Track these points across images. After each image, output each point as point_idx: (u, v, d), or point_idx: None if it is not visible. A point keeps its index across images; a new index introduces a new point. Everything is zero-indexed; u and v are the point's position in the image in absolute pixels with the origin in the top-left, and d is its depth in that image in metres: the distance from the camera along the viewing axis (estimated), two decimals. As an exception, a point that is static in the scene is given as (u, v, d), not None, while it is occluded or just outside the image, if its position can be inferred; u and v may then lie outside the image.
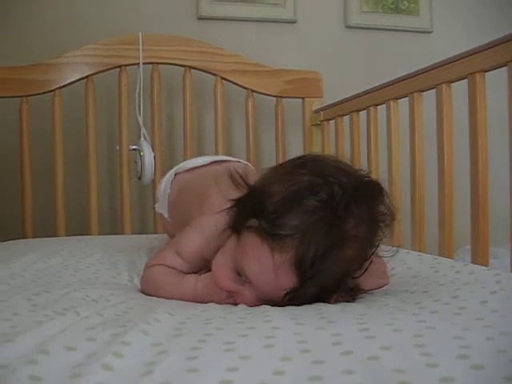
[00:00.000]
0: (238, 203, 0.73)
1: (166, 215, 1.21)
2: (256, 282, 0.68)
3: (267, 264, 0.65)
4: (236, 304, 0.72)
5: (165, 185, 1.23)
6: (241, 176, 0.75)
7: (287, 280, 0.65)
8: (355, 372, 0.40)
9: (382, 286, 0.81)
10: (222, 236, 0.76)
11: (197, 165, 1.22)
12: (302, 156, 0.76)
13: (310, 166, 0.70)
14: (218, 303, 0.72)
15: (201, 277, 0.79)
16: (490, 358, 0.42)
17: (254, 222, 0.68)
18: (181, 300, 0.76)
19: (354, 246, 0.67)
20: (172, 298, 0.77)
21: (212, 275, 0.76)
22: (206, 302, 0.73)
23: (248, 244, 0.69)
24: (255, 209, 0.68)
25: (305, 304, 0.68)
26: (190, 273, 0.83)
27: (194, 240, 0.84)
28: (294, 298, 0.66)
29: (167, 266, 0.83)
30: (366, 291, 0.74)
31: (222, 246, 0.76)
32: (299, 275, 0.64)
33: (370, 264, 0.70)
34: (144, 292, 0.83)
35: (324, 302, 0.69)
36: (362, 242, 0.68)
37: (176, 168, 1.25)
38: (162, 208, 1.22)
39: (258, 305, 0.69)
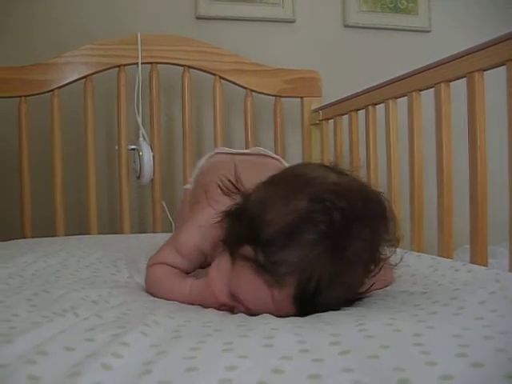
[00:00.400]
0: (231, 217, 0.70)
1: (193, 177, 1.21)
2: (253, 309, 0.66)
3: (266, 299, 0.63)
4: (232, 311, 0.71)
5: (203, 161, 1.23)
6: (232, 183, 0.72)
7: (288, 311, 0.63)
8: (354, 370, 0.40)
9: (387, 286, 0.81)
10: (217, 230, 0.74)
11: (238, 152, 1.24)
12: (297, 175, 0.71)
13: (304, 188, 0.65)
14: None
15: (196, 282, 0.79)
16: (489, 356, 0.42)
17: (248, 250, 0.64)
18: (180, 301, 0.77)
19: (357, 270, 0.65)
20: (172, 299, 0.78)
21: (207, 283, 0.74)
22: (203, 305, 0.73)
23: (243, 277, 0.65)
24: (249, 234, 0.65)
25: None
26: (192, 269, 0.84)
27: (191, 235, 0.83)
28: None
29: (168, 265, 0.84)
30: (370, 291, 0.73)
31: (217, 241, 0.75)
32: (300, 306, 0.63)
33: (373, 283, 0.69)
34: (148, 292, 0.84)
35: None
36: (365, 264, 0.66)
37: (219, 148, 1.27)
38: (191, 183, 1.21)
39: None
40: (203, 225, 0.80)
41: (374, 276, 0.68)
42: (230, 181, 0.73)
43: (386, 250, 0.68)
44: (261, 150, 1.33)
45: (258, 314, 0.66)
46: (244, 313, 0.68)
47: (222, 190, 0.73)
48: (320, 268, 0.60)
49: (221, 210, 0.72)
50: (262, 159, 1.24)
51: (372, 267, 0.66)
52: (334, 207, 0.61)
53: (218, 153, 1.25)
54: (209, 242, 0.80)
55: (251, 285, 0.64)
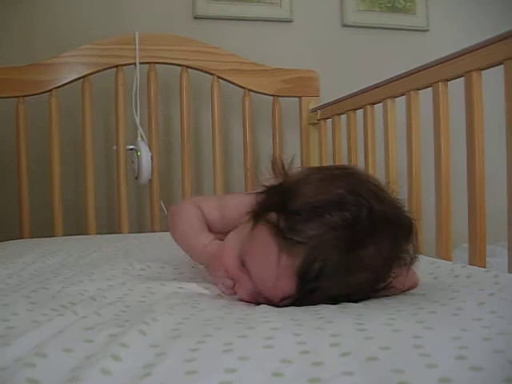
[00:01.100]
0: (267, 191, 0.71)
1: None
2: (254, 275, 0.68)
3: (271, 264, 0.64)
4: (230, 292, 0.73)
5: None
6: (283, 164, 0.72)
7: (286, 285, 0.64)
8: (354, 373, 0.40)
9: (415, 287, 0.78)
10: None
11: None
12: (344, 167, 0.73)
13: (347, 181, 0.66)
14: (213, 275, 0.77)
15: (215, 241, 0.82)
16: (488, 358, 0.42)
17: (273, 216, 0.65)
18: (188, 252, 0.84)
19: (363, 276, 0.64)
20: (187, 244, 0.83)
21: (222, 244, 0.77)
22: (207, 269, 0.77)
23: (259, 238, 0.67)
24: (279, 203, 0.66)
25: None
26: (217, 233, 0.86)
27: (242, 201, 0.81)
28: (288, 304, 0.65)
29: (202, 212, 0.87)
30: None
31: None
32: (299, 285, 0.63)
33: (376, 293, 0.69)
34: (169, 220, 0.89)
35: None
36: (374, 274, 0.65)
37: None
38: None
39: (254, 303, 0.69)
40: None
41: (376, 292, 0.68)
42: (283, 164, 0.73)
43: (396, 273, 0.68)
44: None
45: (257, 303, 0.68)
46: (241, 296, 0.71)
47: (272, 168, 0.73)
48: (331, 251, 0.61)
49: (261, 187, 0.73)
50: None
51: (378, 281, 0.67)
52: (367, 205, 0.62)
53: None
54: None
55: (263, 244, 0.65)
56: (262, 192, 0.72)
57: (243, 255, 0.70)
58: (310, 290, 0.63)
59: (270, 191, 0.71)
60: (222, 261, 0.73)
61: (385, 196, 0.67)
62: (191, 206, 0.88)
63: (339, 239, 0.61)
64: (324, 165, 0.78)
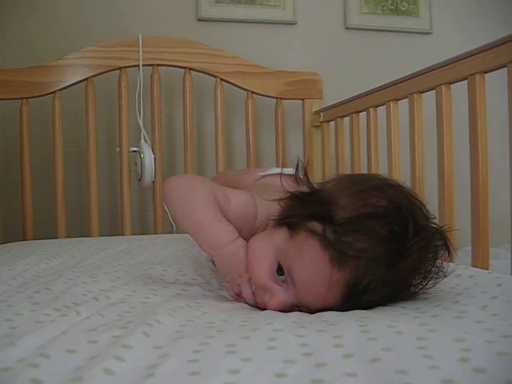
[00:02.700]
0: (298, 198, 0.70)
1: None
2: (302, 287, 0.65)
3: (322, 274, 0.63)
4: (238, 300, 0.72)
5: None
6: (306, 173, 0.72)
7: (333, 297, 0.64)
8: (358, 374, 0.40)
9: None
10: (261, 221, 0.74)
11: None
12: (381, 178, 0.72)
13: (387, 193, 0.66)
14: (227, 281, 0.72)
15: (238, 242, 0.73)
16: (491, 360, 0.42)
17: (317, 226, 0.64)
18: (199, 241, 0.73)
19: (397, 287, 0.66)
20: (191, 228, 0.73)
21: (247, 250, 0.72)
22: (216, 266, 0.72)
23: (306, 246, 0.65)
24: (321, 213, 0.65)
25: None
26: None
27: (248, 203, 0.80)
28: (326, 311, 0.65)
29: (216, 197, 0.76)
30: None
31: (261, 231, 0.74)
32: (346, 298, 0.63)
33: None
34: (169, 196, 0.76)
35: None
36: (409, 287, 0.67)
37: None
38: None
39: (283, 311, 0.67)
40: (256, 200, 0.79)
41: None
42: (305, 170, 0.73)
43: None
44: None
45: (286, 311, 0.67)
46: (270, 307, 0.68)
47: (296, 171, 0.74)
48: (381, 266, 0.61)
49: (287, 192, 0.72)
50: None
51: (408, 294, 0.68)
52: (411, 218, 0.63)
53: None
54: (249, 226, 0.78)
55: (312, 256, 0.64)
56: (288, 198, 0.71)
57: (286, 263, 0.67)
58: (355, 302, 0.63)
59: (305, 199, 0.70)
60: (252, 269, 0.70)
61: (422, 208, 0.68)
62: (205, 184, 0.78)
63: (388, 253, 0.61)
64: (354, 173, 0.75)
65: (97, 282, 0.80)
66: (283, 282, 0.68)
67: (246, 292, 0.72)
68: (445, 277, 0.69)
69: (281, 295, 0.68)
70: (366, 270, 0.61)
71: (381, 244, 0.61)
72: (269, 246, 0.70)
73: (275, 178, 0.86)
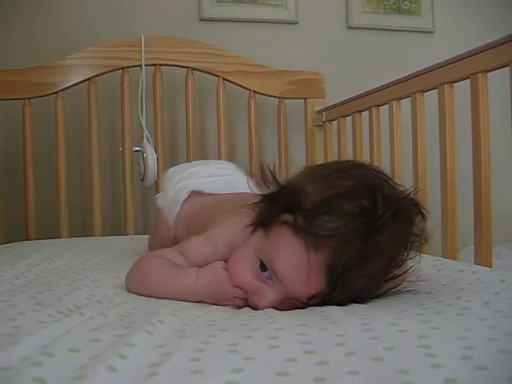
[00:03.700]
0: (269, 198, 0.71)
1: (167, 216, 1.15)
2: (284, 277, 0.66)
3: (300, 261, 0.63)
4: (241, 306, 0.70)
5: (175, 195, 1.15)
6: (272, 174, 0.73)
7: (317, 282, 0.63)
8: (359, 373, 0.40)
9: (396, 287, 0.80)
10: (236, 241, 0.75)
11: (213, 191, 1.14)
12: (344, 161, 0.74)
13: (352, 173, 0.68)
14: (219, 303, 0.70)
15: (203, 269, 0.74)
16: (494, 358, 0.42)
17: (288, 217, 0.66)
18: (174, 297, 0.71)
19: (383, 262, 0.65)
20: (163, 295, 0.72)
21: (218, 270, 0.72)
22: (205, 300, 0.71)
23: (280, 238, 0.66)
24: (290, 205, 0.66)
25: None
26: None
27: (202, 245, 0.80)
28: (317, 304, 0.64)
29: (166, 259, 0.78)
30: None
31: (237, 249, 0.74)
32: (330, 280, 0.63)
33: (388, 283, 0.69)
34: (131, 285, 0.77)
35: None
36: (391, 259, 0.67)
37: (192, 186, 1.16)
38: (168, 212, 1.16)
39: (275, 308, 0.67)
40: (217, 239, 0.80)
41: (390, 279, 0.69)
42: (271, 171, 0.73)
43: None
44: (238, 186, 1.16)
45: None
46: (252, 308, 0.68)
47: (262, 175, 0.73)
48: (356, 241, 0.62)
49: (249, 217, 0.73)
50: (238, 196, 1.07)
51: (395, 265, 0.68)
52: (379, 193, 0.63)
53: (193, 191, 1.15)
54: (219, 255, 0.78)
55: (288, 245, 0.65)
56: (259, 202, 0.72)
57: (266, 258, 0.68)
58: (341, 284, 0.63)
59: (274, 196, 0.71)
60: (236, 275, 0.70)
61: (389, 181, 0.68)
62: (146, 259, 0.81)
63: (360, 228, 0.62)
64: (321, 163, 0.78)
65: (100, 287, 0.80)
66: (268, 279, 0.68)
67: (240, 303, 0.71)
68: (426, 242, 0.70)
69: (268, 293, 0.68)
70: (342, 247, 0.61)
71: (352, 220, 0.62)
72: (248, 248, 0.71)
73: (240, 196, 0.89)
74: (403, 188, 0.69)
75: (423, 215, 0.68)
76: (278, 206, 0.69)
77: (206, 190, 1.13)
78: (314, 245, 0.62)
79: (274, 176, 0.73)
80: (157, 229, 1.24)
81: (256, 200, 0.73)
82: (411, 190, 0.68)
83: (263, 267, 0.69)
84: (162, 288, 0.74)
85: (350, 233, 0.62)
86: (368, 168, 0.70)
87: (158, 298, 0.72)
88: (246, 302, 0.71)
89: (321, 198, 0.64)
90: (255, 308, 0.69)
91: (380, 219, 0.62)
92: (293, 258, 0.64)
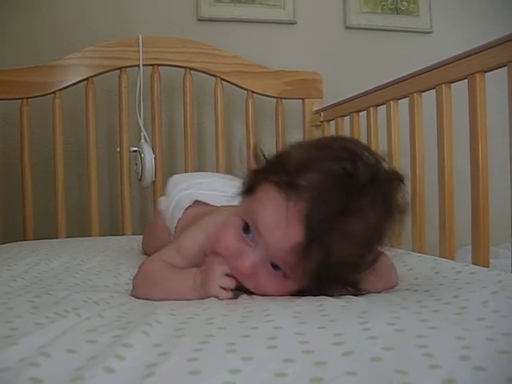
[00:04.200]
0: (253, 170, 0.75)
1: (167, 222, 1.17)
2: (264, 229, 0.68)
3: (280, 211, 0.65)
4: (232, 290, 0.71)
5: (178, 202, 1.17)
6: (262, 152, 0.76)
7: (295, 233, 0.64)
8: (357, 373, 0.40)
9: (391, 287, 0.80)
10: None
11: (216, 204, 1.14)
12: (331, 136, 0.78)
13: (335, 142, 0.72)
14: (211, 288, 0.71)
15: (201, 267, 0.77)
16: (492, 359, 0.42)
17: (272, 177, 0.69)
18: (178, 296, 0.73)
19: (365, 226, 0.66)
20: (168, 295, 0.73)
21: (208, 262, 0.75)
22: (202, 295, 0.72)
23: (264, 195, 0.69)
24: (274, 169, 0.70)
25: (310, 290, 0.69)
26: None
27: (195, 235, 0.84)
28: (301, 260, 0.65)
29: (165, 262, 0.81)
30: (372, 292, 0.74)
31: None
32: (308, 230, 0.64)
33: (376, 261, 0.70)
34: (137, 290, 0.79)
35: (328, 294, 0.69)
36: (373, 226, 0.68)
37: (197, 196, 1.16)
38: (169, 218, 1.18)
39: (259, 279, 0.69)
40: (209, 227, 0.81)
41: (376, 259, 0.70)
42: (261, 150, 0.77)
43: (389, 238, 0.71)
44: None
45: (261, 295, 0.70)
46: (246, 291, 0.70)
47: (254, 153, 0.77)
48: (335, 196, 0.63)
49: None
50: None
51: (376, 238, 0.69)
52: (362, 160, 0.66)
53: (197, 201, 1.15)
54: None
55: (270, 201, 0.68)
56: (248, 175, 0.76)
57: (250, 217, 0.70)
58: (319, 236, 0.64)
59: (260, 167, 0.74)
60: (218, 245, 0.73)
61: (368, 149, 0.71)
62: (147, 265, 0.83)
63: (341, 185, 0.64)
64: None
65: (97, 290, 0.80)
66: (251, 241, 0.70)
67: (229, 284, 0.72)
68: (408, 204, 0.72)
69: (251, 254, 0.70)
70: (321, 199, 0.63)
71: (334, 178, 0.64)
72: (233, 216, 0.74)
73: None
74: (382, 158, 0.72)
75: (401, 179, 0.71)
76: (265, 171, 0.72)
77: (212, 203, 1.13)
78: (293, 195, 0.65)
79: (263, 153, 0.76)
80: (155, 232, 1.25)
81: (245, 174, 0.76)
82: (387, 157, 0.72)
83: (247, 230, 0.71)
84: (167, 289, 0.75)
85: (331, 187, 0.64)
86: (349, 140, 0.76)
87: (163, 300, 0.72)
88: (237, 282, 0.72)
89: (304, 159, 0.68)
90: (237, 274, 0.71)
91: (361, 181, 0.64)
92: (273, 209, 0.67)
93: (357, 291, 0.71)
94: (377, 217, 0.67)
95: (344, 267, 0.68)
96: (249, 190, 0.74)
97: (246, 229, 0.71)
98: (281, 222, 0.66)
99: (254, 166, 0.76)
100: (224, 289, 0.72)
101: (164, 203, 1.24)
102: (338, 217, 0.63)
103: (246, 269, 0.70)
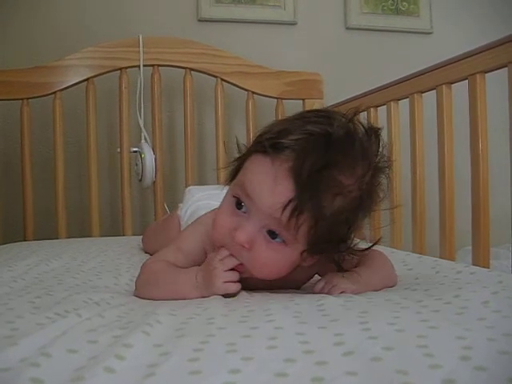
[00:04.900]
0: (239, 156, 0.77)
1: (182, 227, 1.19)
2: (255, 193, 0.69)
3: (268, 173, 0.68)
4: (237, 281, 0.72)
5: (194, 211, 1.20)
6: (243, 144, 0.78)
7: (285, 189, 0.66)
8: (358, 373, 0.40)
9: (390, 285, 0.81)
10: None
11: None
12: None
13: (312, 111, 0.75)
14: (216, 285, 0.71)
15: (201, 266, 0.77)
16: (493, 359, 0.42)
17: (256, 147, 0.71)
18: (181, 296, 0.73)
19: (352, 177, 0.68)
20: (170, 295, 0.74)
21: (210, 259, 0.75)
22: (206, 293, 0.72)
23: (250, 164, 0.72)
24: (258, 140, 0.72)
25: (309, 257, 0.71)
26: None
27: (194, 231, 0.85)
28: (295, 218, 0.66)
29: (167, 261, 0.81)
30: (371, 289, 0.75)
31: None
32: (297, 184, 0.65)
33: (365, 218, 0.73)
34: (140, 291, 0.79)
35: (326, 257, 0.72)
36: (360, 178, 0.69)
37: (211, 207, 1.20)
38: (184, 225, 1.20)
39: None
40: (207, 223, 0.82)
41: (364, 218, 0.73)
42: (238, 141, 0.79)
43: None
44: None
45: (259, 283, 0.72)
46: (242, 243, 0.69)
47: (237, 145, 0.78)
48: (317, 150, 0.66)
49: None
50: None
51: (365, 197, 0.71)
52: (340, 120, 0.69)
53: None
54: (211, 238, 0.80)
55: (257, 166, 0.70)
56: (234, 161, 0.77)
57: (240, 188, 0.71)
58: (308, 187, 0.65)
59: (244, 149, 0.76)
60: (215, 228, 0.74)
61: (342, 113, 0.72)
62: (149, 265, 0.82)
63: (321, 141, 0.66)
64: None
65: (97, 291, 0.80)
66: (245, 212, 0.71)
67: (228, 261, 0.73)
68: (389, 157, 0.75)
69: (245, 225, 0.70)
70: (304, 153, 0.65)
71: (313, 135, 0.67)
72: (225, 198, 0.76)
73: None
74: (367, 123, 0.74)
75: (379, 134, 0.73)
76: (250, 148, 0.74)
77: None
78: (278, 156, 0.67)
79: (244, 145, 0.77)
80: (169, 233, 1.27)
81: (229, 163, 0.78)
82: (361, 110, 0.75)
83: (239, 205, 0.72)
84: (169, 289, 0.75)
85: (311, 143, 0.66)
86: (327, 109, 0.79)
87: (166, 300, 0.73)
88: (240, 275, 0.73)
89: (283, 127, 0.70)
90: (235, 250, 0.72)
91: (339, 138, 0.67)
92: (260, 172, 0.69)
93: (353, 253, 0.74)
94: (362, 169, 0.69)
95: (338, 223, 0.69)
96: (236, 170, 0.76)
97: (239, 204, 0.72)
98: (269, 181, 0.67)
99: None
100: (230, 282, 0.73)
101: (181, 210, 1.27)
102: (323, 169, 0.65)
103: (243, 240, 0.70)
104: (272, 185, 0.67)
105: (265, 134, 0.72)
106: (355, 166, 0.69)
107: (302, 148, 0.66)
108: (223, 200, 0.76)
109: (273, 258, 0.71)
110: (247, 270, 0.73)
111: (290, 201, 0.65)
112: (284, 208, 0.66)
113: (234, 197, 0.73)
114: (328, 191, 0.66)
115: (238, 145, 0.78)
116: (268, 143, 0.68)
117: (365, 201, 0.71)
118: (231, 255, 0.73)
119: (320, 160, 0.65)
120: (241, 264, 0.73)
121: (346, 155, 0.67)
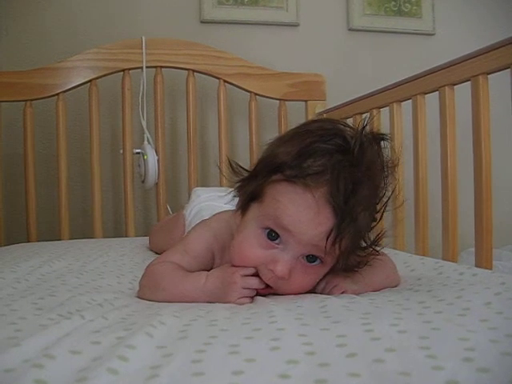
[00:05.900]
0: (248, 177, 0.74)
1: (187, 229, 1.19)
2: (296, 226, 0.67)
3: (305, 203, 0.66)
4: (251, 299, 0.71)
5: (198, 212, 1.21)
6: (237, 164, 0.76)
7: (326, 217, 0.66)
8: (360, 375, 0.40)
9: (393, 285, 0.81)
10: (232, 226, 0.78)
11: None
12: (306, 121, 0.79)
13: (314, 125, 0.72)
14: (230, 298, 0.70)
15: (213, 270, 0.76)
16: (496, 360, 0.42)
17: (275, 177, 0.69)
18: (187, 299, 0.72)
19: (372, 187, 0.69)
20: (176, 298, 0.73)
21: (226, 267, 0.74)
22: (215, 300, 0.71)
23: (279, 194, 0.68)
24: (272, 168, 0.69)
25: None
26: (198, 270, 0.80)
27: (202, 234, 0.84)
28: (336, 242, 0.66)
29: (173, 263, 0.80)
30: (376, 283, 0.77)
31: (235, 233, 0.76)
32: (336, 210, 0.65)
33: (383, 214, 0.73)
34: (144, 292, 0.78)
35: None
36: (378, 184, 0.71)
37: (216, 208, 1.15)
38: (189, 225, 1.20)
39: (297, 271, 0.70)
40: (214, 226, 0.82)
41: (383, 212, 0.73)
42: (236, 163, 0.77)
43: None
44: None
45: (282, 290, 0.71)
46: (283, 274, 0.68)
47: (232, 168, 0.76)
48: (344, 171, 0.65)
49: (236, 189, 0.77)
50: None
51: (381, 193, 0.72)
52: (345, 130, 0.70)
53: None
54: (219, 242, 0.81)
55: (290, 198, 0.67)
56: (237, 186, 0.76)
57: (272, 218, 0.69)
58: (347, 212, 0.65)
59: (251, 174, 0.74)
60: (245, 259, 0.71)
61: (345, 124, 0.73)
62: (155, 266, 0.81)
63: (343, 161, 0.66)
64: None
65: (100, 292, 0.80)
66: (278, 244, 0.70)
67: (252, 282, 0.71)
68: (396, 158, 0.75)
69: (282, 256, 0.69)
70: (336, 177, 0.65)
71: (333, 156, 0.66)
72: (248, 228, 0.72)
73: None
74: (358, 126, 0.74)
75: (385, 139, 0.73)
76: (262, 174, 0.71)
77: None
78: (311, 184, 0.65)
79: (239, 165, 0.76)
80: (174, 231, 1.28)
81: (235, 185, 0.76)
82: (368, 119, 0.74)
83: (271, 234, 0.70)
84: (175, 292, 0.74)
85: (336, 164, 0.65)
86: (324, 120, 0.78)
87: (170, 302, 0.72)
88: (257, 291, 0.72)
89: (298, 149, 0.67)
90: (273, 282, 0.71)
91: (355, 150, 0.67)
92: (298, 204, 0.67)
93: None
94: (379, 178, 0.71)
95: (365, 234, 0.71)
96: (252, 198, 0.73)
97: (268, 234, 0.70)
98: (310, 212, 0.66)
99: (233, 177, 0.77)
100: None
101: (187, 210, 1.28)
102: (354, 188, 0.65)
103: (284, 272, 0.69)
104: (313, 217, 0.66)
105: (276, 159, 0.69)
106: (375, 178, 0.70)
107: (331, 171, 0.65)
108: (246, 231, 0.73)
109: (309, 280, 0.72)
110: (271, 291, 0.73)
111: (331, 229, 0.66)
112: (327, 237, 0.66)
113: (263, 228, 0.71)
114: (362, 210, 0.67)
115: (231, 166, 0.76)
116: (292, 173, 0.66)
117: (384, 208, 0.73)
118: (258, 276, 0.71)
119: (349, 181, 0.65)
120: (266, 287, 0.72)
121: (368, 169, 0.68)
